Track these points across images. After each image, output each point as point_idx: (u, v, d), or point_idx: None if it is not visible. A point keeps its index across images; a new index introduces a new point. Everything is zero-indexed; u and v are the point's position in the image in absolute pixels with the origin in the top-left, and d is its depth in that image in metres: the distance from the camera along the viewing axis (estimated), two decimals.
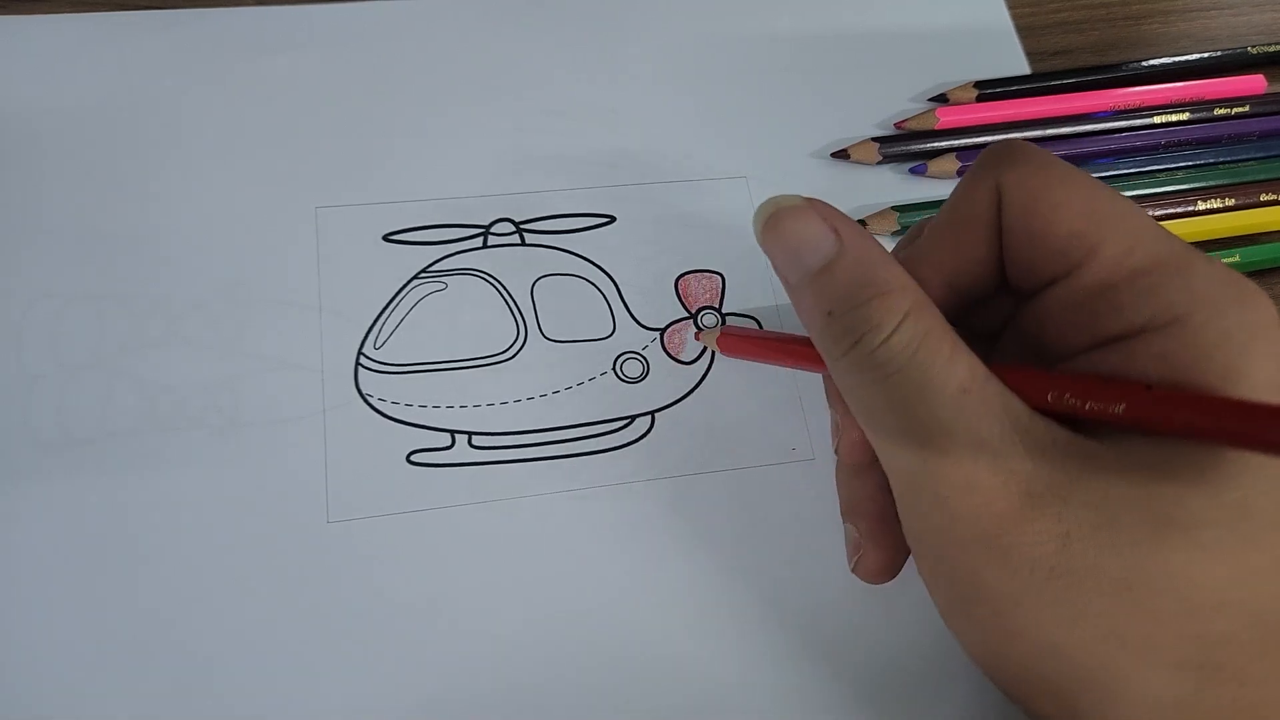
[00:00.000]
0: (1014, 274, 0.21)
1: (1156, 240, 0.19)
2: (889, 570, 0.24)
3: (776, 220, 0.21)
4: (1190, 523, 0.17)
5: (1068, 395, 0.19)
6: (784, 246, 0.21)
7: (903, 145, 0.33)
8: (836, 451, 0.26)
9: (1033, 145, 0.21)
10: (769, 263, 0.31)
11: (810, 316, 0.21)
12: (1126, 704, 0.18)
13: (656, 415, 0.29)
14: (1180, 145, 0.35)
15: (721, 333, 0.29)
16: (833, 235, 0.20)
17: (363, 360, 0.28)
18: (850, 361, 0.20)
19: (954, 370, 0.19)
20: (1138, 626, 0.18)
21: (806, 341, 0.25)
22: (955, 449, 0.19)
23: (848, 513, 0.25)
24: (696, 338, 0.30)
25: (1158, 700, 0.18)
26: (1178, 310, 0.18)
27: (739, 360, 0.30)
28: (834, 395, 0.25)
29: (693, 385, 0.29)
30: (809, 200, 0.21)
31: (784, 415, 0.29)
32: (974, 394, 0.19)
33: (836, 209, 0.21)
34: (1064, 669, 0.19)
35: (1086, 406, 0.18)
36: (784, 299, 0.31)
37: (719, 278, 0.31)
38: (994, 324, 0.23)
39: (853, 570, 0.25)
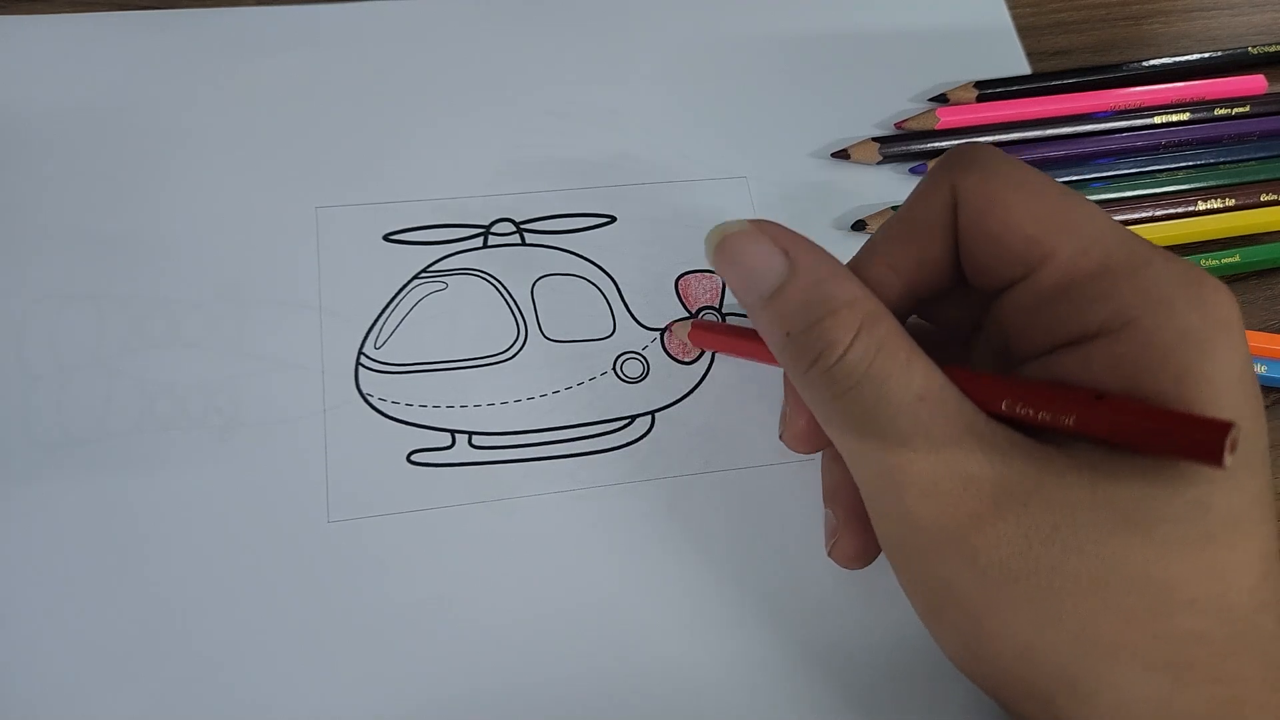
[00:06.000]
0: (973, 275, 0.21)
1: (1113, 242, 0.19)
2: (863, 556, 0.24)
3: (724, 246, 0.22)
4: (1149, 521, 0.17)
5: (1020, 405, 0.19)
6: (736, 272, 0.22)
7: (903, 145, 0.33)
8: (781, 438, 0.26)
9: (992, 148, 0.21)
10: None
11: (771, 338, 0.21)
12: (1102, 705, 0.18)
13: (656, 415, 0.29)
14: (1180, 145, 0.35)
15: (694, 325, 0.29)
16: (782, 256, 0.21)
17: (363, 360, 0.28)
18: (811, 379, 0.20)
19: (910, 379, 0.19)
20: (1107, 627, 0.18)
21: None
22: (915, 456, 0.19)
23: (828, 498, 0.26)
24: (668, 329, 0.30)
25: (1133, 700, 0.18)
26: (1131, 313, 0.18)
27: (736, 361, 0.30)
28: (789, 385, 0.26)
29: (693, 385, 0.29)
30: (756, 223, 0.21)
31: None
32: (930, 401, 0.19)
33: (786, 228, 0.21)
34: (1038, 670, 0.19)
35: (1039, 416, 0.19)
36: None
37: (719, 278, 0.31)
38: (968, 320, 0.23)
39: (829, 554, 0.25)
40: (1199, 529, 0.17)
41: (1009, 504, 0.18)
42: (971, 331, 0.23)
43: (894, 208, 0.32)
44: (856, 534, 0.24)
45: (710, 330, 0.29)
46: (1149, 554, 0.17)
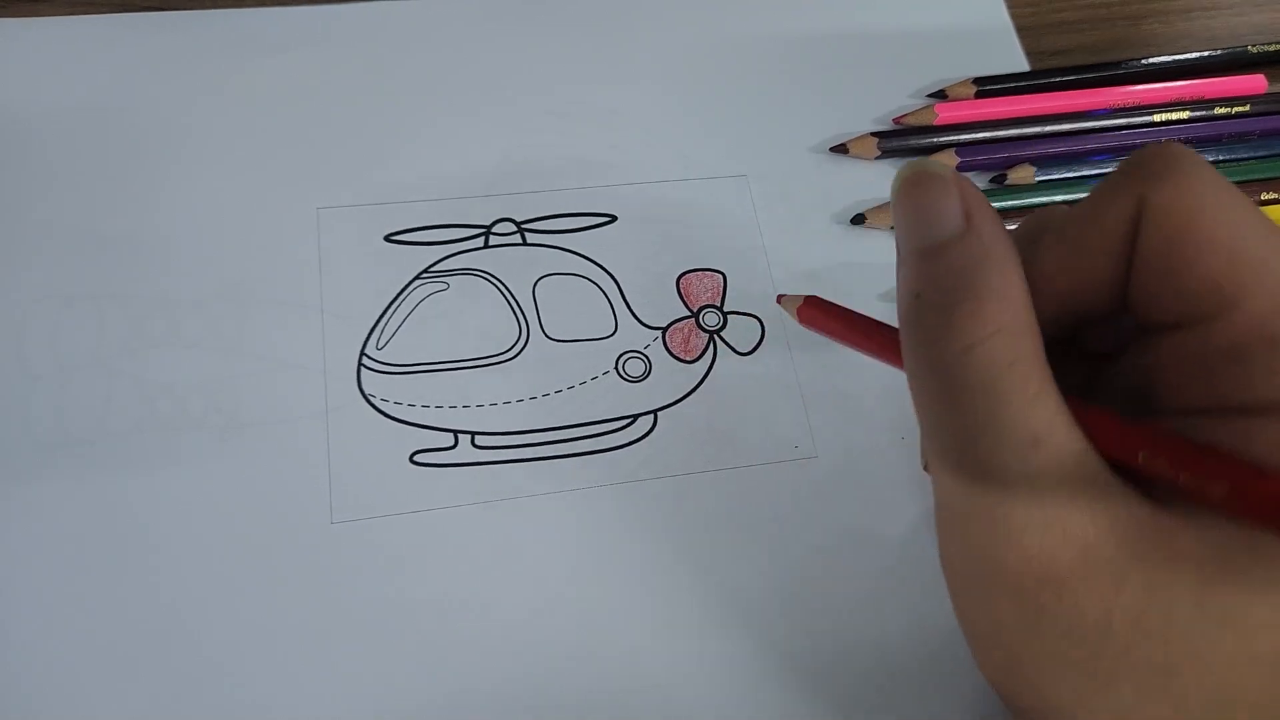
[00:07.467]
0: (1138, 305, 0.18)
1: None
2: None
3: (913, 181, 0.19)
4: (1251, 626, 0.16)
5: (1161, 460, 0.17)
6: (910, 211, 0.19)
7: (901, 140, 0.33)
8: (926, 469, 0.24)
9: (1189, 152, 0.17)
10: (770, 262, 0.31)
11: (902, 293, 0.19)
12: None
13: (659, 414, 0.29)
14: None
15: (805, 300, 0.26)
16: (961, 217, 0.18)
17: (365, 361, 0.28)
18: (922, 355, 0.18)
19: (1032, 415, 0.17)
20: (1160, 712, 0.17)
21: (895, 332, 0.22)
22: (1011, 497, 0.17)
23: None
24: (778, 301, 0.27)
25: None
26: None
27: (741, 359, 0.30)
28: None
29: (695, 384, 0.29)
30: (956, 174, 0.19)
31: (786, 413, 0.29)
32: (1047, 447, 0.17)
33: (984, 196, 0.19)
34: None
35: (1180, 478, 0.16)
36: None
37: (720, 276, 0.31)
38: (1110, 346, 0.21)
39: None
40: None
41: (1101, 575, 0.16)
42: (1106, 358, 0.21)
43: None
44: None
45: (824, 310, 0.25)
46: (1236, 657, 0.16)
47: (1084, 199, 0.19)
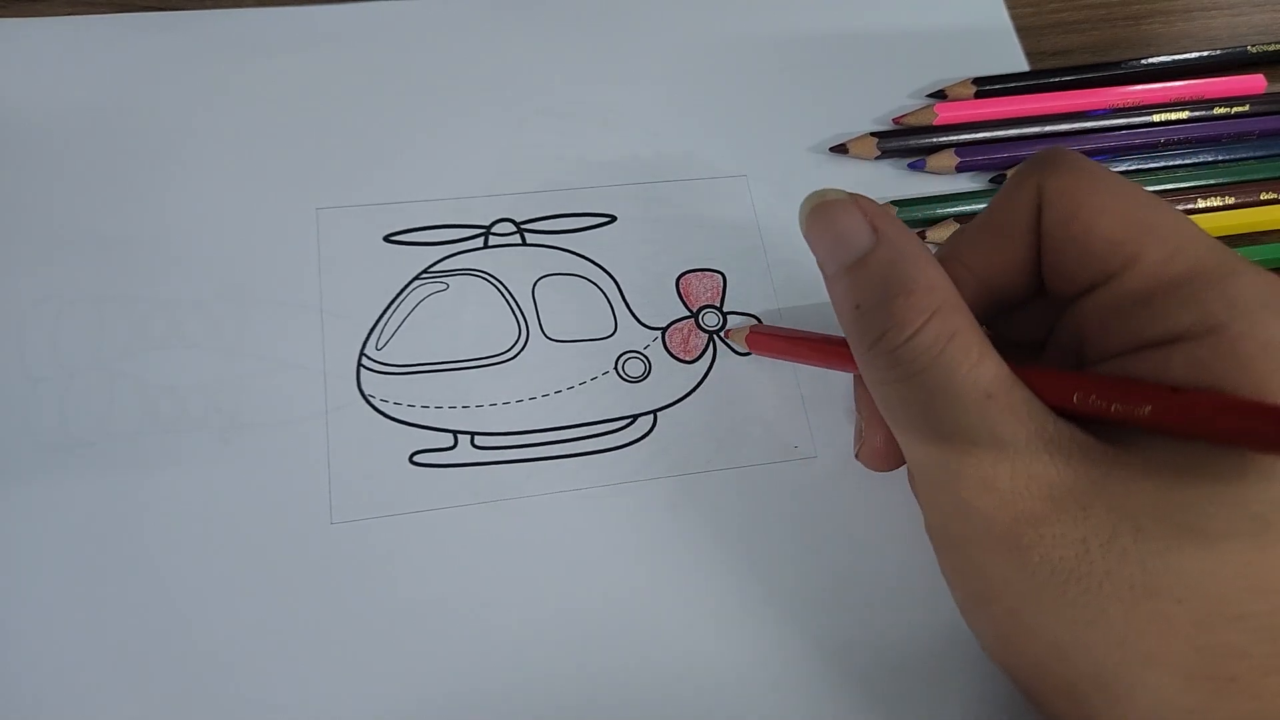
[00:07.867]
0: (1052, 279, 0.21)
1: (1201, 248, 0.19)
2: (889, 455, 0.24)
3: (817, 211, 0.22)
4: (1212, 533, 0.17)
5: (1093, 396, 0.19)
6: (823, 238, 0.22)
7: (901, 140, 0.33)
8: (858, 456, 0.26)
9: (1077, 153, 0.21)
10: (770, 262, 0.31)
11: (841, 309, 0.21)
12: (1137, 710, 0.18)
13: (659, 414, 0.29)
14: (1180, 144, 0.35)
15: (751, 330, 0.29)
16: (870, 230, 0.21)
17: (364, 361, 0.28)
18: (875, 356, 0.20)
19: (979, 374, 0.19)
20: (1152, 634, 0.18)
21: (839, 341, 0.25)
22: (978, 452, 0.19)
23: (858, 401, 0.26)
24: (725, 335, 0.30)
25: (1169, 708, 0.18)
26: (1217, 319, 0.18)
27: (741, 359, 0.30)
28: (861, 398, 0.26)
29: (695, 384, 0.29)
30: (853, 195, 0.22)
31: (786, 413, 0.29)
32: (999, 399, 0.19)
33: (880, 207, 0.21)
34: (1077, 670, 0.19)
35: (1112, 408, 0.18)
36: (785, 299, 0.31)
37: (720, 276, 0.31)
38: (1037, 333, 0.23)
39: (857, 456, 0.26)
40: (1258, 544, 0.17)
41: (1069, 506, 0.18)
42: (1039, 347, 0.23)
43: (894, 202, 0.32)
44: (881, 429, 0.24)
45: (768, 335, 0.28)
46: (1207, 567, 0.17)
47: (991, 201, 0.22)
